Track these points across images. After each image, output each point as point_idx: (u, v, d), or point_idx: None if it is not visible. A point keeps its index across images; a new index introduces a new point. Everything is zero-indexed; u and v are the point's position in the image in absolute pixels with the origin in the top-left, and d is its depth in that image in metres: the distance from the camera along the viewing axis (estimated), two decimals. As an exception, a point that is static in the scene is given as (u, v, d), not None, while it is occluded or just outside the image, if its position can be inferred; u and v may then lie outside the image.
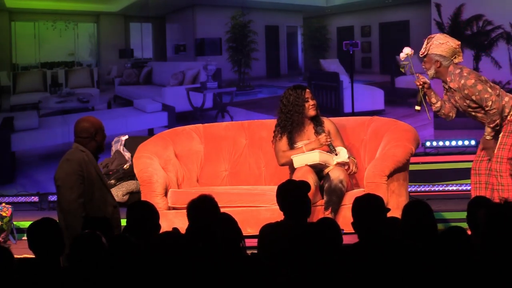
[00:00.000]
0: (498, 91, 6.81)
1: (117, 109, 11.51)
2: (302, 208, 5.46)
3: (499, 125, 6.79)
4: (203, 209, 5.25)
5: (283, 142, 7.16)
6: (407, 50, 6.95)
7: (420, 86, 6.84)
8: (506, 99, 6.79)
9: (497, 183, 6.79)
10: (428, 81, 6.86)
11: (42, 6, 11.54)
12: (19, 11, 11.50)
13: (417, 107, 6.84)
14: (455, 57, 6.83)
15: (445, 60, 6.80)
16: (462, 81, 6.71)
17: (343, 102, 10.77)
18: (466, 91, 6.72)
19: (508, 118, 6.78)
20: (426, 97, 6.90)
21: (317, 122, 7.20)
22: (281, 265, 4.09)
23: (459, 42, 6.87)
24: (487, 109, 6.76)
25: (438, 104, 6.92)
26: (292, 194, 5.49)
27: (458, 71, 6.76)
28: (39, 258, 4.53)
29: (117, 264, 4.19)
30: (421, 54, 6.89)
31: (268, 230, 4.51)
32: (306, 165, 6.90)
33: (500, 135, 6.81)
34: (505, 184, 6.76)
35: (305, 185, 5.67)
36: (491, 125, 6.79)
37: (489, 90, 6.73)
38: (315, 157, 6.88)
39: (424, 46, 6.86)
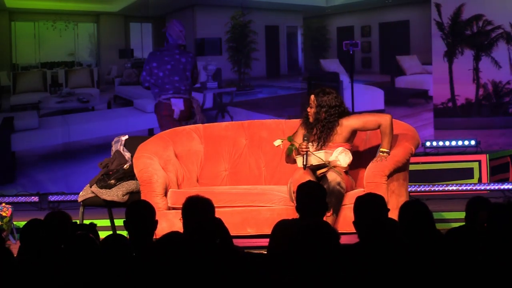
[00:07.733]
0: None
1: (117, 109, 11.51)
2: (317, 209, 5.43)
3: None
4: (195, 210, 5.24)
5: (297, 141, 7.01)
6: (278, 142, 6.96)
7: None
8: None
9: None
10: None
11: (42, 6, 11.54)
12: (19, 11, 11.50)
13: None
14: None
15: None
16: None
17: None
18: None
19: None
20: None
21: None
22: (288, 264, 4.08)
23: None
24: None
25: None
26: (310, 194, 5.48)
27: None
28: (34, 259, 4.53)
29: (112, 265, 4.19)
30: None
31: (280, 227, 4.48)
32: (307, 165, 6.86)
33: None
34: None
35: (323, 189, 5.67)
36: None
37: None
38: (321, 156, 6.79)
39: None
